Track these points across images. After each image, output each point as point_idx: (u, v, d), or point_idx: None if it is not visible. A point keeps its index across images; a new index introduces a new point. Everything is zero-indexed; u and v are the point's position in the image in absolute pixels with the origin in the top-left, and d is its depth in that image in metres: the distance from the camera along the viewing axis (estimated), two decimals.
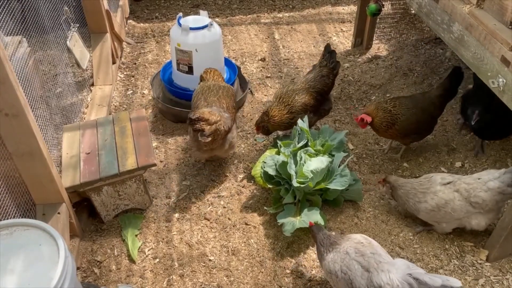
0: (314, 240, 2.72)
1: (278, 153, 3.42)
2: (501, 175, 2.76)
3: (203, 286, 2.87)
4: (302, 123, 3.40)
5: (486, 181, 2.78)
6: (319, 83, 3.67)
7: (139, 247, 3.09)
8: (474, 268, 2.92)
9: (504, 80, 2.57)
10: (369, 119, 3.41)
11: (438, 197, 2.87)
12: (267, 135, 3.82)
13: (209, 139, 3.07)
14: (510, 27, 2.60)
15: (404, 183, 3.07)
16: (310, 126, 3.58)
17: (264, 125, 3.61)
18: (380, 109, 3.43)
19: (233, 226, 3.24)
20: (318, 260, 2.73)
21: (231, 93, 3.56)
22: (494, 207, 2.81)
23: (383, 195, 3.39)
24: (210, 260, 3.02)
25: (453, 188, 2.86)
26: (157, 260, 3.02)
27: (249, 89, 4.49)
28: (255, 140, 3.99)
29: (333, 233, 3.15)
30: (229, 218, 3.30)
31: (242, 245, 3.12)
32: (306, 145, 3.37)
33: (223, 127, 3.17)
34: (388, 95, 4.40)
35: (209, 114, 3.11)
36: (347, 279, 2.37)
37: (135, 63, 5.00)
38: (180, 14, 4.13)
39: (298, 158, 3.20)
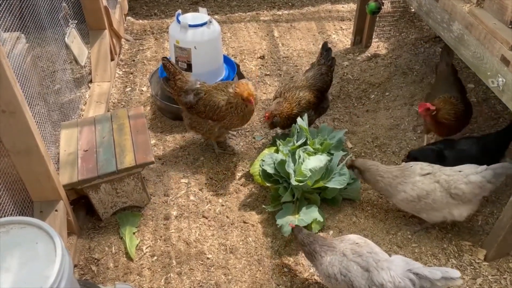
0: (295, 240, 2.71)
1: (276, 151, 3.42)
2: (483, 171, 2.78)
3: (200, 284, 2.87)
4: (302, 122, 3.39)
5: (467, 174, 2.81)
6: (319, 81, 3.71)
7: (137, 245, 3.08)
8: (472, 267, 2.92)
9: (504, 80, 2.57)
10: (433, 107, 3.32)
11: (419, 188, 2.86)
12: (272, 128, 3.73)
13: (168, 87, 3.56)
14: (510, 26, 2.59)
15: (371, 166, 3.03)
16: (309, 124, 3.58)
17: (275, 115, 3.48)
18: (447, 102, 3.37)
19: (231, 224, 3.24)
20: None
21: (220, 109, 3.40)
22: (472, 199, 2.85)
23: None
24: (208, 258, 3.02)
25: (433, 179, 2.86)
26: (155, 258, 3.02)
27: None
28: (253, 138, 3.98)
29: (329, 233, 3.16)
30: (227, 216, 3.29)
31: (240, 243, 3.12)
32: (305, 143, 3.37)
33: (178, 93, 3.51)
34: (387, 93, 4.40)
35: (186, 75, 3.53)
36: (347, 281, 2.36)
37: (133, 60, 4.99)
38: (179, 11, 4.11)
39: (296, 157, 3.20)
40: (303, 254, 3.01)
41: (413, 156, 3.20)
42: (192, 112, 3.52)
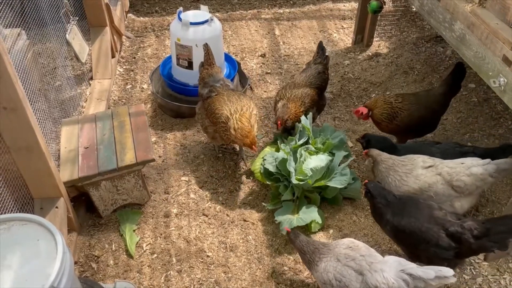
0: (292, 244, 2.69)
1: (278, 150, 3.42)
2: (486, 164, 2.78)
3: (200, 282, 2.87)
4: (305, 121, 3.39)
5: (469, 166, 2.81)
6: (318, 79, 3.76)
7: (137, 242, 3.08)
8: (472, 267, 2.93)
9: (506, 80, 2.57)
10: (364, 110, 3.46)
11: (421, 181, 2.87)
12: (285, 132, 3.65)
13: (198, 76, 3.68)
14: None
15: (387, 159, 3.03)
16: (312, 121, 3.60)
17: (286, 119, 3.48)
18: (380, 101, 3.48)
19: (231, 222, 3.24)
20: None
21: (215, 115, 3.35)
22: (473, 192, 2.85)
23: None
24: (208, 256, 3.02)
25: (435, 171, 2.87)
26: (155, 255, 3.02)
27: (249, 85, 4.47)
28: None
29: (329, 231, 3.16)
30: (227, 214, 3.29)
31: (240, 241, 3.12)
32: (306, 142, 3.37)
33: (199, 81, 3.65)
34: (388, 93, 4.39)
35: (215, 69, 3.64)
36: (342, 286, 2.37)
37: (134, 57, 4.98)
38: (181, 8, 4.10)
39: (298, 156, 3.20)
40: None
41: (367, 139, 3.27)
42: (203, 104, 3.56)
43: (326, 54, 3.92)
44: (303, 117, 3.42)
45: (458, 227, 2.51)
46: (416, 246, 2.62)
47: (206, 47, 3.61)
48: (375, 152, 3.11)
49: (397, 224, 2.64)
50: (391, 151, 3.14)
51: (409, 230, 2.60)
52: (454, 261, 2.59)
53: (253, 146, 3.21)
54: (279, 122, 3.47)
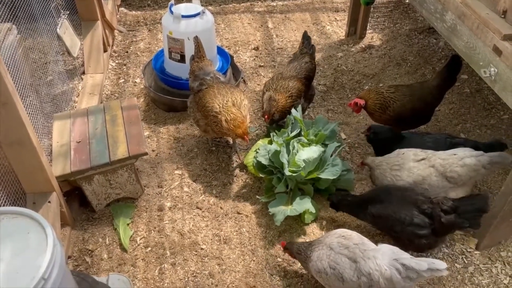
0: (292, 257, 2.76)
1: (270, 142, 3.42)
2: (479, 155, 2.81)
3: (194, 274, 2.88)
4: (296, 113, 3.39)
5: (462, 157, 2.84)
6: (304, 70, 3.75)
7: (131, 236, 3.09)
8: (464, 256, 2.95)
9: (496, 70, 2.58)
10: (362, 102, 3.46)
11: (415, 174, 2.89)
12: (272, 124, 3.70)
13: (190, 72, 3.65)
14: (503, 16, 2.60)
15: (380, 163, 3.08)
16: (303, 112, 3.60)
17: (273, 113, 3.52)
18: (372, 92, 3.50)
19: (225, 215, 3.25)
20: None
21: (205, 108, 3.35)
22: (467, 182, 2.89)
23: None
24: (202, 248, 3.03)
25: (428, 164, 2.89)
26: (149, 249, 3.03)
27: (242, 78, 4.46)
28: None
29: (323, 223, 3.18)
30: (221, 207, 3.30)
31: (234, 233, 3.13)
32: (299, 134, 3.37)
33: (190, 74, 3.64)
34: (381, 84, 4.40)
35: (206, 62, 3.63)
36: (337, 273, 2.39)
37: (127, 52, 4.95)
38: (172, 1, 4.08)
39: (290, 147, 3.20)
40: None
41: (373, 130, 3.31)
42: (194, 98, 3.56)
43: (312, 43, 3.91)
44: (293, 110, 3.42)
45: (429, 203, 2.66)
46: (393, 229, 2.74)
47: (196, 40, 3.60)
48: (369, 159, 3.17)
49: (373, 212, 2.79)
50: (398, 141, 3.18)
51: (384, 214, 2.74)
52: (433, 239, 2.69)
53: (245, 137, 3.21)
54: (266, 116, 3.50)
